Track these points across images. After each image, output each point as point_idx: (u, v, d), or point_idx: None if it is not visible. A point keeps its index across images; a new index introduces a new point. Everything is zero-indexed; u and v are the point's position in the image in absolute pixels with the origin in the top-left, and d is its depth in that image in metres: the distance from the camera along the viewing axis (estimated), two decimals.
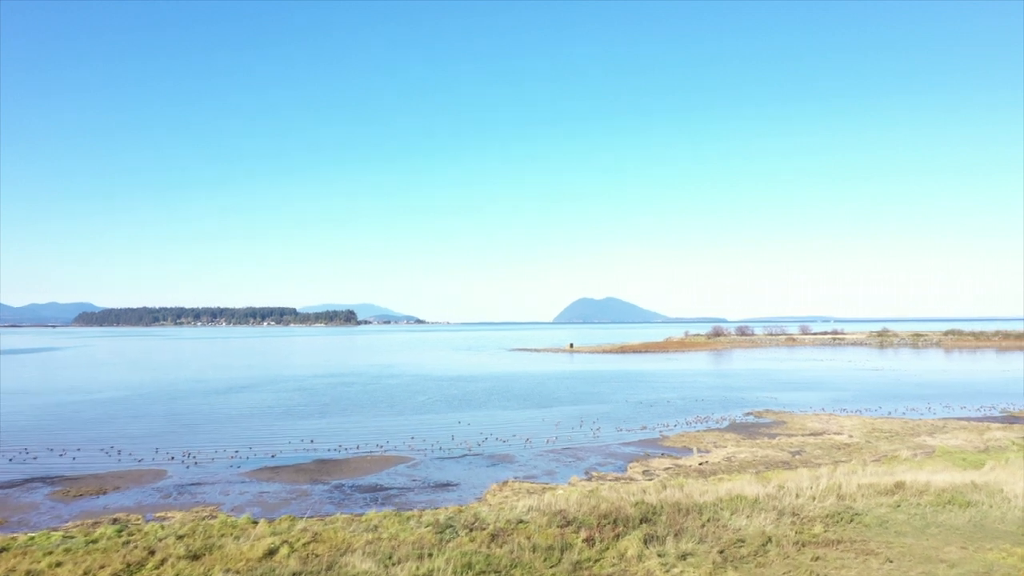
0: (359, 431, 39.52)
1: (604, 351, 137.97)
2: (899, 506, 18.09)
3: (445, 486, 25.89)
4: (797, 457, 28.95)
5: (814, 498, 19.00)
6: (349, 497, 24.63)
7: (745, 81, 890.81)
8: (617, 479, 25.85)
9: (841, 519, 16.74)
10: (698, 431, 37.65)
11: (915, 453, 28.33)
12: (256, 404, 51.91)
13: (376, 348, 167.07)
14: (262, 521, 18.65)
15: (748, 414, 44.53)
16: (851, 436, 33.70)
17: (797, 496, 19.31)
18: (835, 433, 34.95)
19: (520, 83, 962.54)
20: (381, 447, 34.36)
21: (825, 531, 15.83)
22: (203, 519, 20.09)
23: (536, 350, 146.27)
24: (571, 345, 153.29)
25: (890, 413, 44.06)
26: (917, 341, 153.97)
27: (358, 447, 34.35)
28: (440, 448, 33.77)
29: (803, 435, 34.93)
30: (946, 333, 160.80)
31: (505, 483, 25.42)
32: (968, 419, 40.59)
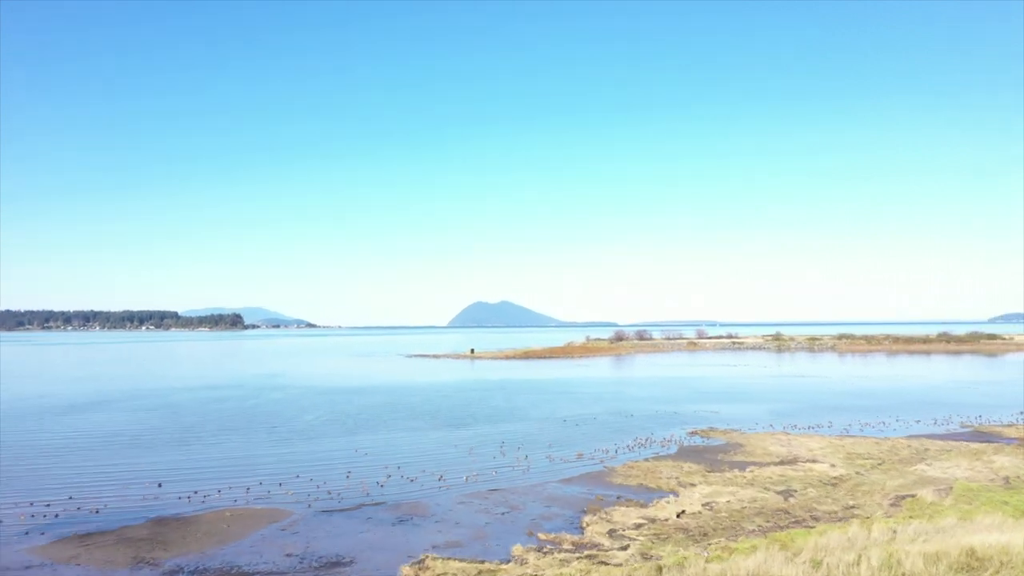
0: (225, 467, 30.81)
1: (507, 357, 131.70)
2: None
3: (334, 567, 18.05)
4: (792, 500, 22.86)
5: None
6: None
7: (621, 77, 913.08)
8: (577, 547, 18.79)
9: None
10: (647, 459, 31.24)
11: (935, 492, 22.78)
12: (98, 430, 41.81)
13: (262, 355, 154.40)
14: None
15: (693, 433, 38.71)
16: (833, 465, 28.13)
17: None
18: (810, 461, 29.33)
19: (424, 83, 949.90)
20: (250, 492, 25.99)
21: None
22: None
23: (435, 356, 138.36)
24: (472, 350, 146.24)
25: (847, 430, 39.32)
26: (813, 345, 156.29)
27: (219, 493, 25.85)
28: (329, 493, 25.76)
29: (774, 464, 29.13)
30: (840, 337, 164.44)
31: (422, 562, 17.81)
32: (936, 436, 36.20)
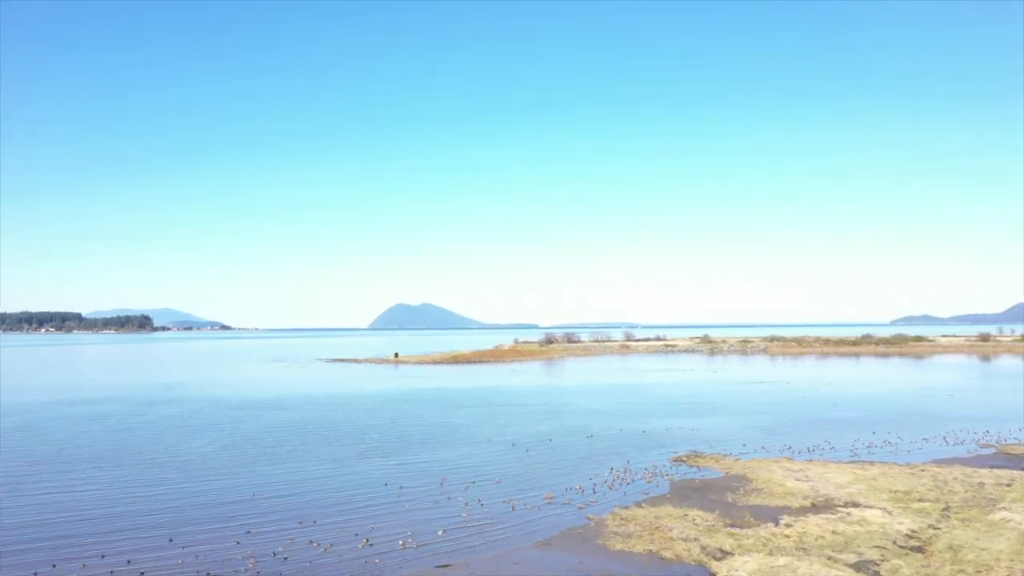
0: (67, 530, 21.85)
1: (435, 361, 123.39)
2: None
3: None
4: None
5: None
6: None
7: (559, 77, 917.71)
8: None
9: None
10: (640, 505, 23.98)
11: None
12: None
13: (165, 360, 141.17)
14: None
15: (677, 461, 31.82)
16: (888, 513, 21.57)
17: None
18: (851, 504, 22.75)
19: (364, 83, 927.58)
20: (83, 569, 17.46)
21: None
22: None
23: (357, 360, 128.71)
24: (396, 354, 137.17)
25: (856, 453, 33.20)
26: (745, 347, 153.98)
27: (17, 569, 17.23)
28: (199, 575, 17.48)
29: (808, 510, 22.40)
30: (771, 339, 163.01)
31: None
32: (968, 462, 30.41)
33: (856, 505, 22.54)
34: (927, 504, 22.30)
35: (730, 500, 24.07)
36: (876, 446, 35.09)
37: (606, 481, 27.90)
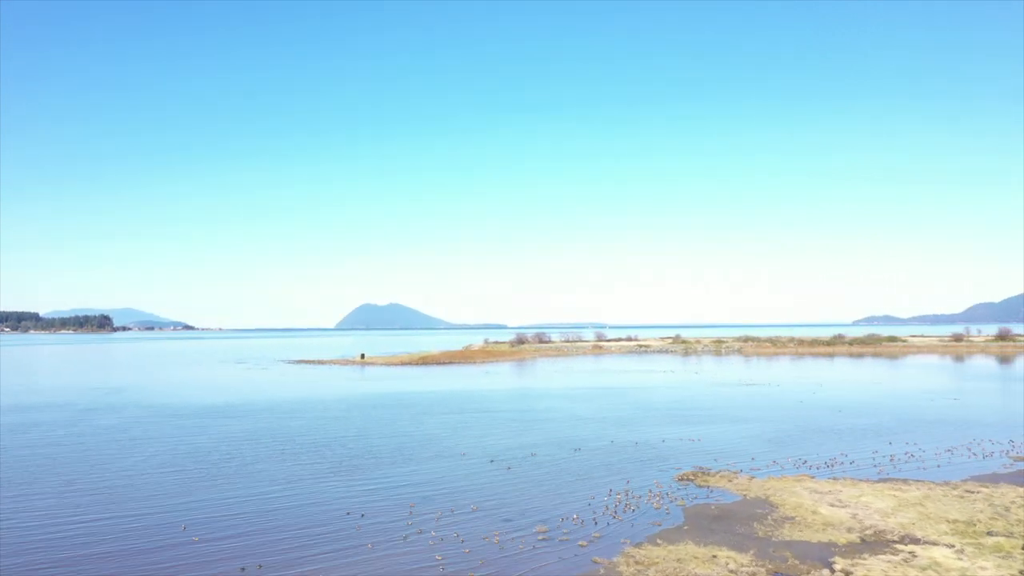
0: None
1: (402, 362, 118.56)
2: None
3: None
4: None
5: None
6: None
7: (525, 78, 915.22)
8: None
9: None
10: (655, 542, 19.89)
11: None
12: None
13: (121, 362, 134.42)
14: None
15: (683, 480, 27.87)
16: (956, 550, 17.82)
17: None
18: (909, 539, 18.98)
19: (331, 85, 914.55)
20: None
21: None
22: None
23: (321, 362, 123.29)
24: (363, 355, 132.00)
25: (880, 469, 29.52)
26: (719, 348, 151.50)
27: None
28: None
29: (858, 546, 18.59)
30: (745, 340, 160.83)
31: None
32: (1012, 479, 26.93)
33: (915, 541, 18.74)
34: (1000, 540, 18.58)
35: (761, 534, 20.12)
36: (899, 459, 31.54)
37: (607, 507, 23.83)
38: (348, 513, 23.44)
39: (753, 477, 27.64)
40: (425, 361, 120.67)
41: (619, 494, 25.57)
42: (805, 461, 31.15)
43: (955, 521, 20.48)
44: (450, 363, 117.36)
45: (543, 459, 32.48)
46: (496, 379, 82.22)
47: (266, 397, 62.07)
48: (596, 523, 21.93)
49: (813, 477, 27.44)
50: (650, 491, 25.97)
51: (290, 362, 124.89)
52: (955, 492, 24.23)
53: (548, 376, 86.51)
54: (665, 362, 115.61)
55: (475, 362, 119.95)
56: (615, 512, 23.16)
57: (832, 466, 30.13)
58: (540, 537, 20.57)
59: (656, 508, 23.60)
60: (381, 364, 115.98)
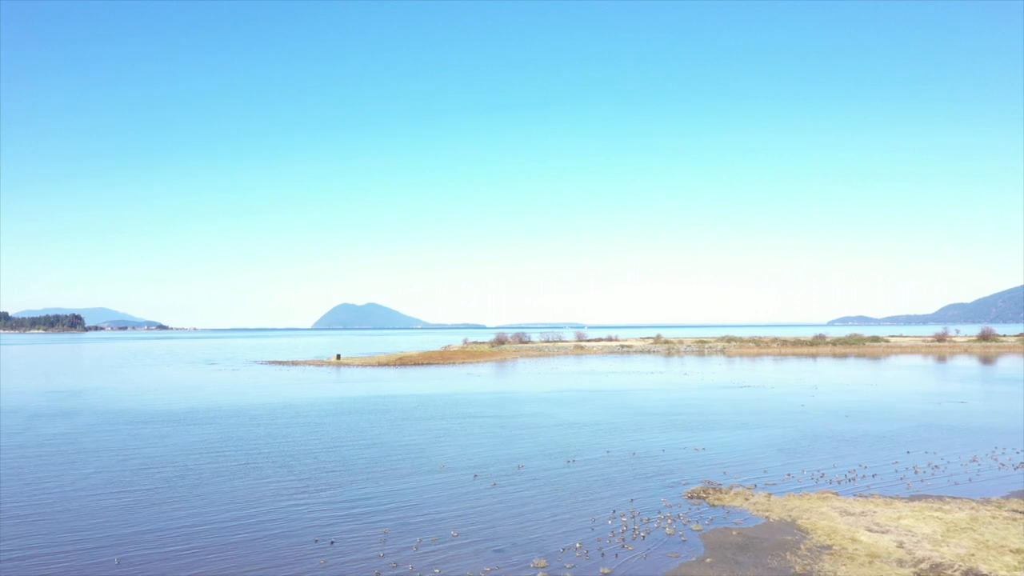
0: None
1: (379, 363, 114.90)
2: None
3: None
4: None
5: None
6: None
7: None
8: None
9: None
10: None
11: None
12: None
13: (85, 363, 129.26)
14: None
15: (692, 498, 24.93)
16: None
17: None
18: None
19: (308, 85, 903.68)
20: None
21: None
22: None
23: (295, 363, 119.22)
24: (338, 356, 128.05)
25: (907, 483, 26.74)
26: (702, 348, 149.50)
27: None
28: None
29: None
30: (728, 340, 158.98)
31: None
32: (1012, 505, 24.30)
33: None
34: None
35: (799, 569, 17.21)
36: (924, 471, 28.89)
37: (613, 532, 20.81)
38: (316, 541, 20.23)
39: (771, 494, 24.77)
40: (403, 362, 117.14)
41: (624, 516, 22.57)
42: (823, 474, 28.37)
43: (1019, 551, 17.72)
44: (429, 364, 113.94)
45: (534, 473, 29.41)
46: (478, 381, 79.05)
47: (233, 401, 58.38)
48: (604, 554, 18.91)
49: (837, 494, 24.65)
50: (659, 512, 22.99)
51: (262, 363, 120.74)
52: (1003, 512, 21.53)
53: (531, 378, 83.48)
54: (649, 363, 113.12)
55: (454, 363, 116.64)
56: (623, 540, 20.15)
57: (854, 480, 27.38)
58: (540, 574, 17.49)
59: (670, 534, 20.63)
60: (357, 365, 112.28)
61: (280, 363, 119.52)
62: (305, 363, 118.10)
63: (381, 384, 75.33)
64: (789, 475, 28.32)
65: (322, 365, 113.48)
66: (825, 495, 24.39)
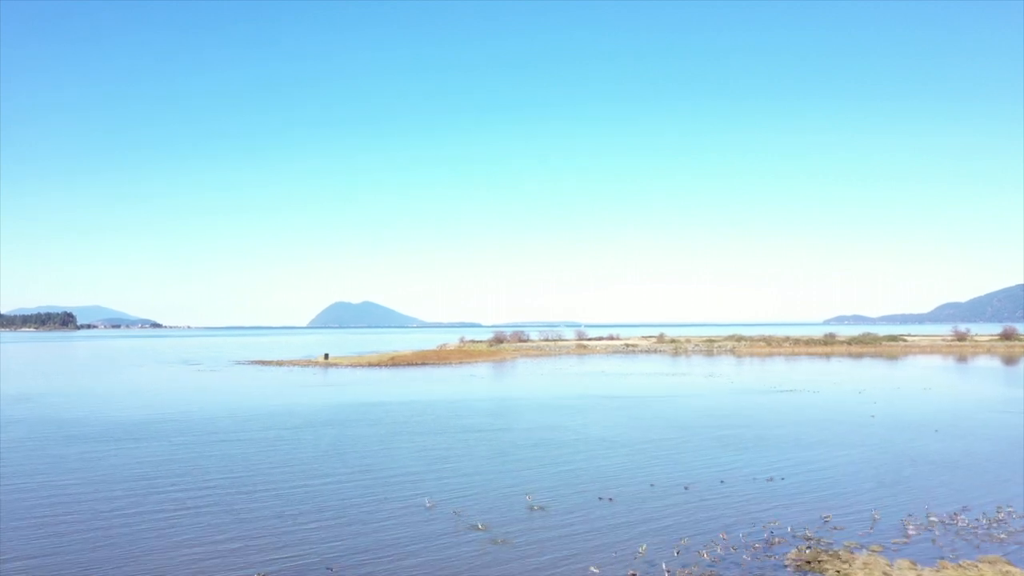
0: None
1: (370, 363, 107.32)
2: None
3: None
4: None
5: None
6: None
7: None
8: None
9: None
10: None
11: None
12: None
13: (62, 362, 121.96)
14: None
15: (800, 569, 17.47)
16: None
17: None
18: None
19: (303, 82, 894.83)
20: None
21: None
22: None
23: (280, 363, 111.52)
24: (326, 356, 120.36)
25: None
26: (711, 347, 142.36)
27: None
28: None
29: None
30: (739, 339, 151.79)
31: None
32: None
33: None
34: None
35: None
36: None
37: None
38: None
39: (915, 563, 17.29)
40: (395, 362, 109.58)
41: None
42: (963, 522, 20.94)
43: None
44: (423, 364, 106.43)
45: (558, 517, 21.97)
46: (477, 384, 71.61)
47: (200, 409, 50.85)
48: None
49: (1008, 560, 17.24)
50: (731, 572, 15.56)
51: (246, 363, 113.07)
52: None
53: (535, 380, 76.06)
54: (658, 363, 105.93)
55: (451, 363, 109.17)
56: None
57: (1014, 532, 19.96)
58: None
59: None
60: (346, 365, 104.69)
61: (265, 363, 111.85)
62: (291, 363, 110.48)
63: (371, 387, 67.84)
64: (914, 524, 20.80)
65: (308, 365, 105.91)
66: (995, 561, 17.00)
